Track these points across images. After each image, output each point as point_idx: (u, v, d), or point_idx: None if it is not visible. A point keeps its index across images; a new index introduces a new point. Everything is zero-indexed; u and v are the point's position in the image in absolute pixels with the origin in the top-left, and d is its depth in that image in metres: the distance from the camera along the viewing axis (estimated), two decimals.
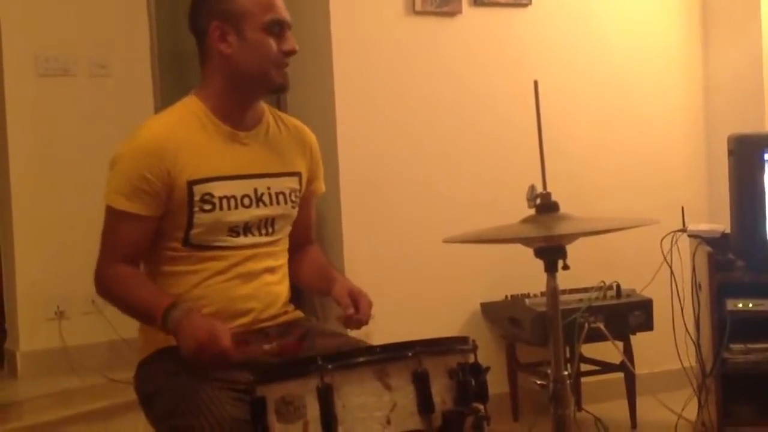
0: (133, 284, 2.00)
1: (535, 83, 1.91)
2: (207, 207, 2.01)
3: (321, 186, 2.29)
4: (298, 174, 2.17)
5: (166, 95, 4.09)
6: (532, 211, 1.88)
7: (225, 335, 1.86)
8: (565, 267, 1.83)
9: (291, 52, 2.05)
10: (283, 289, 2.15)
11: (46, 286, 3.84)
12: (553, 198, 1.88)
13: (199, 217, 2.01)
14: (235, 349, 1.87)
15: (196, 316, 1.91)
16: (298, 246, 2.23)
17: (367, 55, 3.82)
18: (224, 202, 2.02)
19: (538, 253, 1.83)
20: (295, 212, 2.17)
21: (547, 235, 1.83)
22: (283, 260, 2.17)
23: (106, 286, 2.03)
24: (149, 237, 2.03)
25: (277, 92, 2.13)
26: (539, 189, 1.88)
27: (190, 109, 2.07)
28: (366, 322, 2.03)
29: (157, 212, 2.00)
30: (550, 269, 1.83)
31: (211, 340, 1.84)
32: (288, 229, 2.17)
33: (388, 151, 3.83)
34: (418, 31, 3.88)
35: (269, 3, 2.03)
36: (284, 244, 2.18)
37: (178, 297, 1.98)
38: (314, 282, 2.23)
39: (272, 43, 2.02)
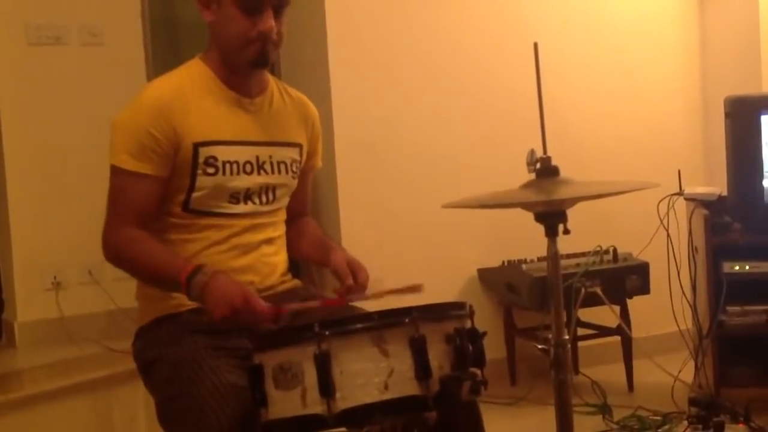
0: (147, 248, 1.95)
1: (535, 45, 1.87)
2: (210, 170, 1.99)
3: (318, 161, 2.28)
4: (299, 145, 2.17)
5: (158, 63, 4.06)
6: (532, 176, 1.86)
7: (258, 300, 1.84)
8: (566, 231, 1.81)
9: (262, 33, 1.96)
10: (281, 260, 2.15)
11: (42, 256, 3.84)
12: (553, 162, 1.86)
13: (202, 180, 1.99)
14: (269, 311, 1.85)
15: (223, 279, 1.86)
16: (293, 218, 2.23)
17: (363, 18, 3.78)
18: (227, 166, 2.01)
19: (539, 218, 1.82)
20: (294, 183, 2.16)
21: (549, 199, 1.81)
22: (281, 231, 2.17)
23: (118, 251, 1.98)
24: (158, 199, 1.99)
25: (254, 68, 2.02)
26: (539, 153, 1.85)
27: (196, 72, 2.05)
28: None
29: (165, 172, 1.97)
30: (551, 234, 1.82)
31: (245, 305, 1.82)
32: (287, 199, 2.17)
33: (384, 115, 3.81)
34: None
35: None
36: (282, 215, 2.18)
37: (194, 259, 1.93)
38: (311, 253, 2.22)
39: (243, 19, 1.95)
